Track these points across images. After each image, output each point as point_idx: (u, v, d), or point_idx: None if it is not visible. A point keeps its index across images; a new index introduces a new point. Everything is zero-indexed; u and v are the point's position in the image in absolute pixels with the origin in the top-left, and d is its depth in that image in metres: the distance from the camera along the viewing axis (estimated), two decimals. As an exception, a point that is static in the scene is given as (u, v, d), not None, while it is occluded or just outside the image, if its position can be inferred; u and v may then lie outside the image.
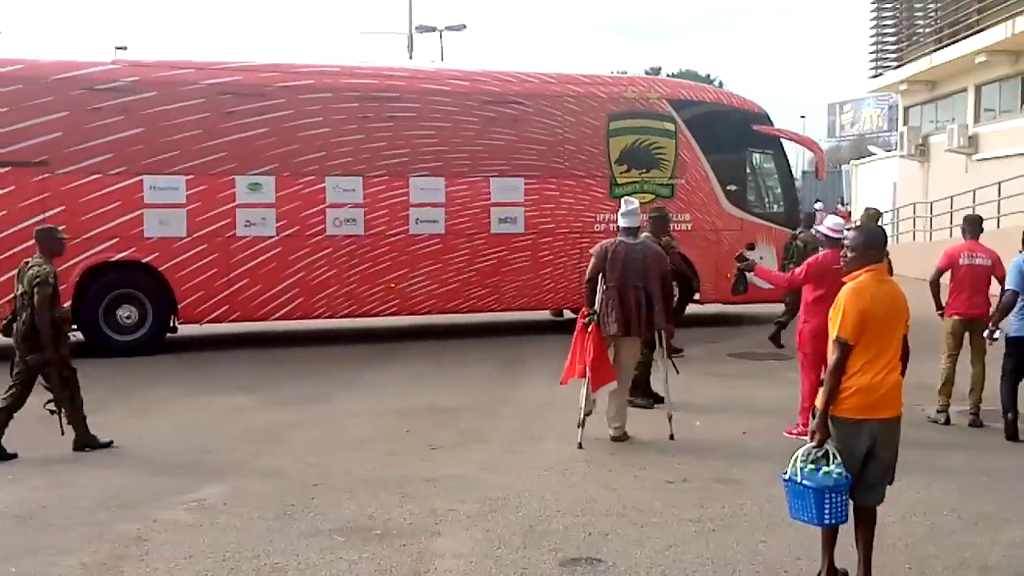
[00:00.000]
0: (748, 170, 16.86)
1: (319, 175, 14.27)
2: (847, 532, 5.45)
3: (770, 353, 13.27)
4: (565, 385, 9.08)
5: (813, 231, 11.42)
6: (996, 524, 6.63)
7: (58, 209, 13.05)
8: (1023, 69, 23.50)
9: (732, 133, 16.43)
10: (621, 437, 8.89)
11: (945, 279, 9.59)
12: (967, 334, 9.55)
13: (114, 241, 13.47)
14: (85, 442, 8.68)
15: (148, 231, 13.57)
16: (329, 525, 6.58)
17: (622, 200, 9.38)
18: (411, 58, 33.84)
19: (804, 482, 5.21)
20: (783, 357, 12.78)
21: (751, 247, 14.49)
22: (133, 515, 6.82)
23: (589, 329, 8.65)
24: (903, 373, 5.38)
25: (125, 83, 13.51)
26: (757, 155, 16.93)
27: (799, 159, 46.88)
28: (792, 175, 17.65)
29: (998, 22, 22.61)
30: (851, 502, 5.32)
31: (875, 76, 31.50)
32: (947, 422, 9.37)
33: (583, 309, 8.93)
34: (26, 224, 12.38)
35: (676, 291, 11.04)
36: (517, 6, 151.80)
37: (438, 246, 14.86)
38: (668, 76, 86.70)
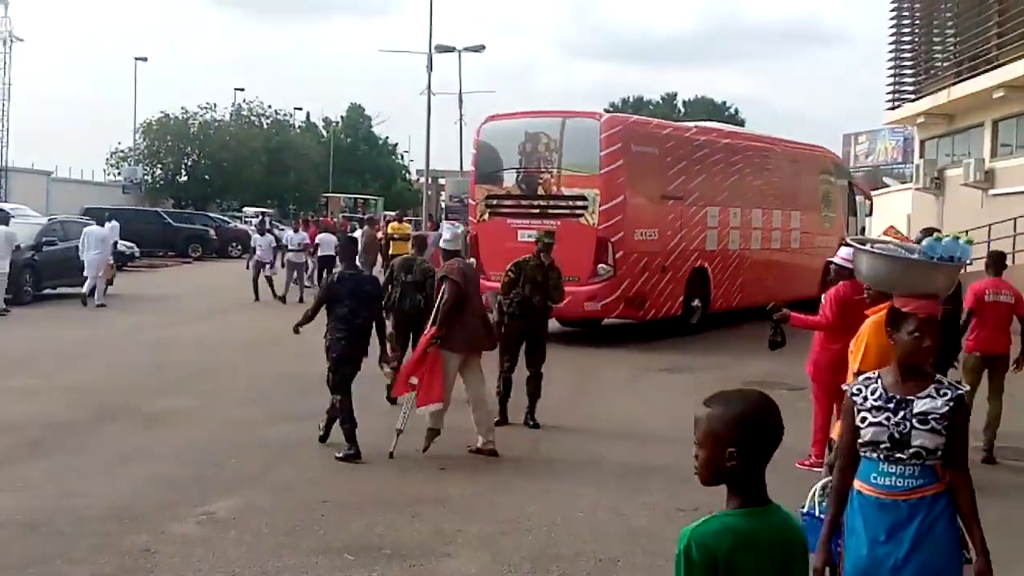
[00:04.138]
0: (847, 208, 24.30)
1: (748, 207, 20.20)
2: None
3: (783, 383, 13.22)
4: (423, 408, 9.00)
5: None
6: (1002, 564, 6.54)
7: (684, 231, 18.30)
8: (1041, 105, 23.50)
9: (844, 184, 24.52)
10: (494, 451, 9.10)
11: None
12: (986, 371, 9.51)
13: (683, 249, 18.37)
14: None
15: (707, 245, 18.89)
16: (338, 543, 6.57)
17: (445, 225, 10.37)
18: (430, 76, 33.88)
19: (821, 516, 5.18)
20: (796, 387, 12.73)
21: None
22: (142, 527, 6.83)
23: (428, 350, 8.92)
24: None
25: (701, 141, 19.10)
26: (850, 198, 24.71)
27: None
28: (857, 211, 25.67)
29: (1017, 57, 22.57)
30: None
31: (892, 108, 31.48)
32: (960, 457, 9.31)
33: (432, 330, 9.03)
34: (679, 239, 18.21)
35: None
36: (526, 29, 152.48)
37: (782, 256, 21.34)
38: (684, 103, 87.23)
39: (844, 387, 4.18)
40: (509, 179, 17.44)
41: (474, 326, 9.21)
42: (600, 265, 16.49)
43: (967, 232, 23.28)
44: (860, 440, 3.94)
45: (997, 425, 9.41)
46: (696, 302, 18.50)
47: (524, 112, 18.27)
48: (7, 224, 20.39)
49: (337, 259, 9.45)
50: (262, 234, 24.52)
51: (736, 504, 2.69)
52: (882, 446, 3.90)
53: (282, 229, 33.50)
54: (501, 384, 10.50)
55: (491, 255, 16.49)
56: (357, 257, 11.11)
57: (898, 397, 3.93)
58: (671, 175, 18.01)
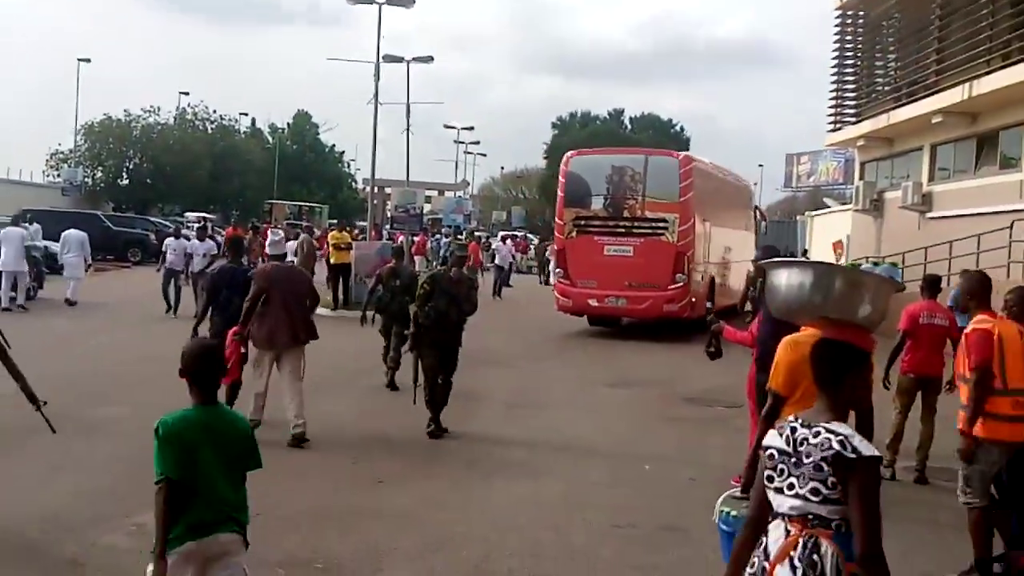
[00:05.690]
0: (754, 227, 28.34)
1: (728, 227, 24.01)
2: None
3: (722, 400, 13.32)
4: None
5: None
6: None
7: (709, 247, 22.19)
8: (978, 131, 23.93)
9: (752, 207, 28.68)
10: (302, 435, 9.75)
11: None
12: (920, 392, 9.65)
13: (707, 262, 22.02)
14: None
15: (713, 258, 22.49)
16: (272, 556, 6.47)
17: (271, 232, 13.78)
18: (377, 85, 33.66)
19: (721, 525, 5.22)
20: (736, 404, 12.83)
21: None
22: (71, 537, 6.70)
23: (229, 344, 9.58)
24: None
25: (712, 173, 23.45)
26: (756, 220, 28.86)
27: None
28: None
29: (955, 84, 23.04)
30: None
31: (834, 130, 31.95)
32: (892, 477, 9.42)
33: (236, 328, 9.74)
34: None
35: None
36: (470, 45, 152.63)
37: (739, 267, 24.02)
38: (630, 119, 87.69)
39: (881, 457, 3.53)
40: (596, 203, 20.68)
41: (275, 324, 9.83)
42: (678, 275, 20.14)
43: (903, 255, 23.77)
44: None
45: (929, 446, 9.56)
46: (709, 304, 21.36)
47: (607, 149, 23.52)
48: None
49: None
50: (176, 237, 22.39)
51: (194, 402, 4.33)
52: None
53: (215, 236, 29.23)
54: (427, 393, 10.56)
55: (579, 266, 20.67)
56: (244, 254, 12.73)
57: None
58: (706, 202, 21.46)
